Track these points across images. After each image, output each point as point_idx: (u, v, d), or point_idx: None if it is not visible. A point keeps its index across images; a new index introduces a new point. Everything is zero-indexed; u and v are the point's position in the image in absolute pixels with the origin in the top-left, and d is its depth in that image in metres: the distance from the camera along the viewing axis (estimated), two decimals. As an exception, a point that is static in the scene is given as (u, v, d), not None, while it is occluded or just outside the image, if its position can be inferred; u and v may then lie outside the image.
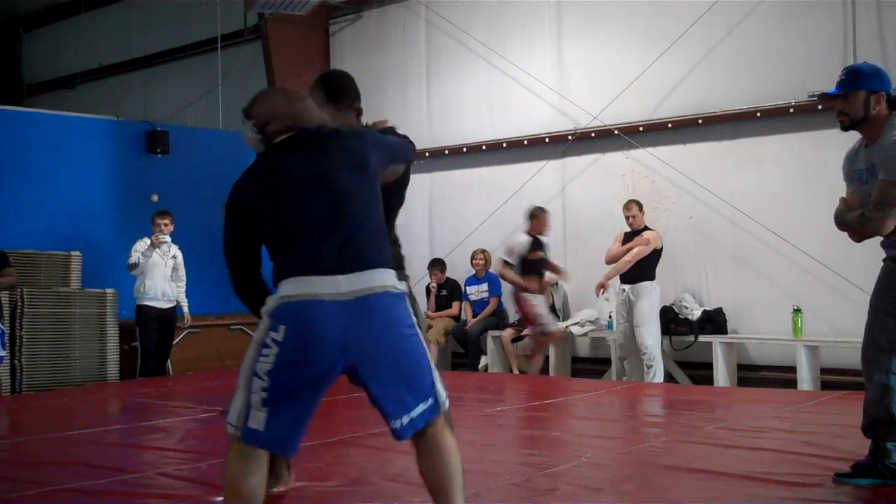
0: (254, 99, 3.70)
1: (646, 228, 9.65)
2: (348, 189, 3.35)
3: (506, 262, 9.77)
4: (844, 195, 4.66)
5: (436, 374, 3.37)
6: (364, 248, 3.27)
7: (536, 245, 9.74)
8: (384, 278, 3.27)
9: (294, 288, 3.19)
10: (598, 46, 11.10)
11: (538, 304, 9.69)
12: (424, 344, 3.37)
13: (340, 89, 4.56)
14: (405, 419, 3.25)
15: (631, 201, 9.75)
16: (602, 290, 9.86)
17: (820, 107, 9.18)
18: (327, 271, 3.18)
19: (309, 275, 3.19)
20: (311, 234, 3.26)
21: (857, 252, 5.11)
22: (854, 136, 4.70)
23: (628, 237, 9.69)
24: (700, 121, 10.21)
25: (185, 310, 10.29)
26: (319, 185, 3.33)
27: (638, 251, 9.51)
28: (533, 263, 9.70)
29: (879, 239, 4.51)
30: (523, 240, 9.70)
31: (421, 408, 3.27)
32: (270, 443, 3.20)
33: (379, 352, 3.21)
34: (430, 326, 11.20)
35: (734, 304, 9.98)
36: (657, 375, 9.29)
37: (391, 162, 3.70)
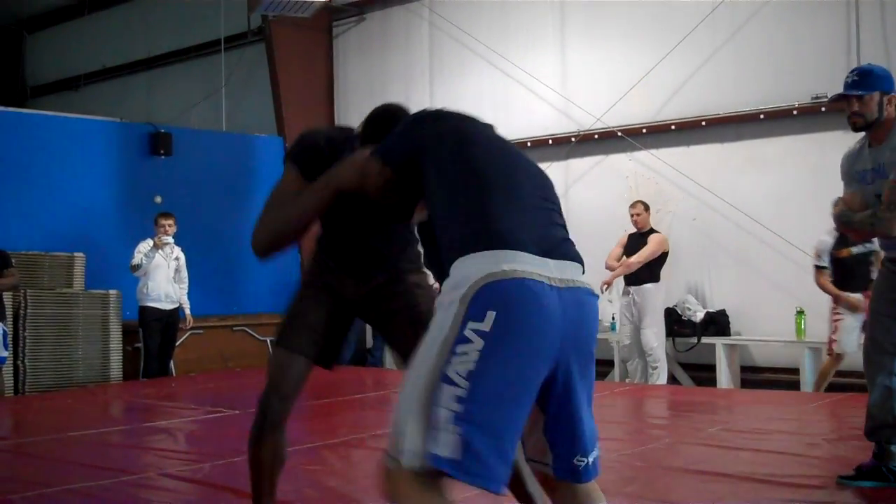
0: None
1: (651, 231, 9.63)
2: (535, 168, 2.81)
3: (819, 268, 8.30)
4: (841, 196, 4.67)
5: None
6: (565, 238, 2.64)
7: (842, 241, 8.03)
8: (584, 275, 2.61)
9: (498, 262, 2.40)
10: (601, 48, 11.10)
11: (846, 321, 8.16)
12: None
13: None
14: (592, 455, 2.59)
15: (637, 201, 9.72)
16: (607, 286, 9.77)
17: (823, 109, 9.20)
18: (538, 252, 2.47)
19: (515, 249, 2.44)
20: (509, 206, 2.57)
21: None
22: (854, 138, 4.70)
23: (632, 239, 9.65)
24: (704, 123, 10.21)
25: (187, 312, 10.29)
26: (512, 151, 2.79)
27: (648, 255, 9.45)
28: (850, 263, 8.14)
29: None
30: (827, 238, 8.19)
31: (595, 453, 2.61)
32: (473, 473, 2.30)
33: (587, 359, 2.55)
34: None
35: (737, 305, 9.97)
36: (661, 377, 9.28)
37: None
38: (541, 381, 2.42)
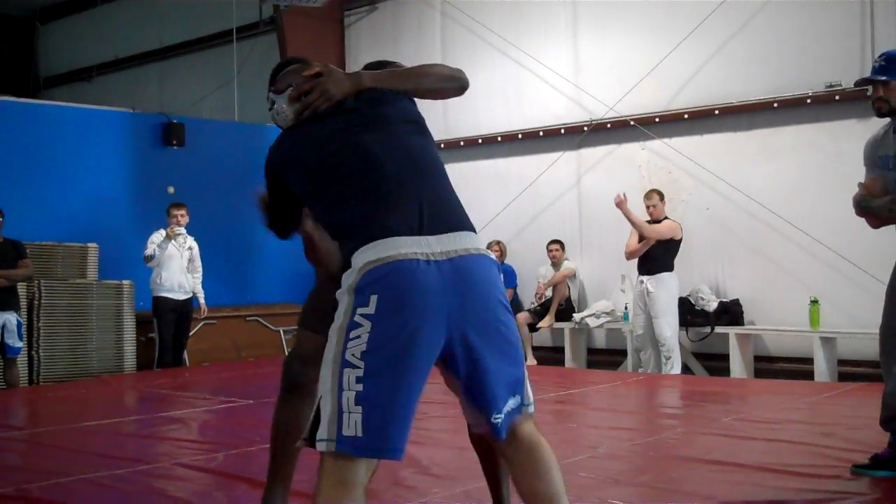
0: (284, 73, 3.25)
1: (665, 219, 9.59)
2: (418, 147, 2.93)
3: None
4: (863, 181, 4.63)
5: (525, 368, 2.90)
6: (448, 210, 2.81)
7: None
8: (476, 241, 2.79)
9: (379, 251, 2.64)
10: (614, 37, 11.07)
11: None
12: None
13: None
14: (504, 411, 2.76)
15: (652, 191, 9.66)
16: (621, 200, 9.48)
17: (837, 97, 9.16)
18: (412, 232, 2.68)
19: (394, 236, 2.67)
20: (386, 193, 2.77)
21: (875, 242, 5.09)
22: (868, 125, 4.67)
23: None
24: (717, 111, 10.18)
25: (202, 301, 10.31)
26: (387, 141, 2.87)
27: (655, 232, 9.37)
28: None
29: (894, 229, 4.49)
30: None
31: (512, 403, 2.78)
32: (372, 449, 2.59)
33: (485, 320, 2.71)
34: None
35: (751, 295, 9.95)
36: (675, 367, 9.24)
37: None
38: (435, 351, 2.63)
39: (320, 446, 2.59)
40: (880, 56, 4.58)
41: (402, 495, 4.36)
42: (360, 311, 2.60)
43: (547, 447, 2.83)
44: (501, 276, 2.91)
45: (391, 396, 2.58)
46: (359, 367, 2.57)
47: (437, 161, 2.97)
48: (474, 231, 2.82)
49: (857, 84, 4.85)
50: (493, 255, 2.85)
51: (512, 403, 2.77)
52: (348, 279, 2.67)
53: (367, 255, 2.65)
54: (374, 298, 2.59)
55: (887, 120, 4.58)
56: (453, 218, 2.79)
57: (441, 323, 2.61)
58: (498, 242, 11.48)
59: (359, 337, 2.58)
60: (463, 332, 2.65)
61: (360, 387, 2.56)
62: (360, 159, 2.82)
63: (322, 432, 2.59)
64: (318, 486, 2.61)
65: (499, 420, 2.74)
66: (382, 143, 2.86)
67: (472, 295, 2.68)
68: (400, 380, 2.59)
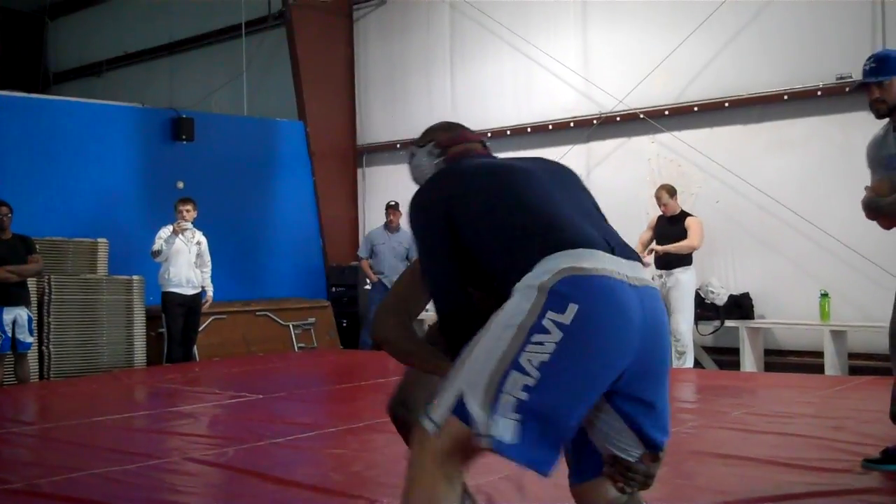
0: (430, 128, 3.10)
1: (684, 213, 9.53)
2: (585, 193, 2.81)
3: None
4: (870, 183, 4.60)
5: None
6: (621, 239, 2.62)
7: None
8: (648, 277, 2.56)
9: (579, 259, 2.38)
10: (623, 29, 11.04)
11: None
12: None
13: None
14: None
15: (661, 188, 9.57)
16: (648, 253, 9.45)
17: (847, 89, 9.11)
18: (607, 249, 2.46)
19: (592, 248, 2.44)
20: (568, 216, 2.57)
21: (886, 236, 5.05)
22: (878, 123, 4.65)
23: (662, 222, 9.55)
24: (727, 104, 10.15)
25: (209, 293, 10.29)
26: (560, 177, 2.76)
27: (699, 239, 9.36)
28: None
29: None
30: None
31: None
32: (527, 457, 2.31)
33: (665, 355, 2.54)
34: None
35: (761, 288, 9.92)
36: (688, 362, 9.22)
37: None
38: (611, 382, 2.40)
39: (479, 441, 2.30)
40: (870, 58, 4.57)
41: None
42: (551, 315, 2.31)
43: None
44: None
45: (558, 419, 2.32)
46: (531, 377, 2.28)
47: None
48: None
49: (851, 89, 4.82)
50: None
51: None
52: (539, 277, 2.37)
53: (567, 259, 2.38)
54: (573, 308, 2.30)
55: (886, 120, 4.56)
56: (631, 249, 2.59)
57: (630, 356, 2.38)
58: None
59: (542, 344, 2.29)
60: (643, 361, 2.44)
61: (525, 396, 2.28)
62: (546, 183, 2.73)
63: (480, 425, 2.29)
64: (417, 475, 2.39)
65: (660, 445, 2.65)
66: (555, 180, 2.78)
67: (660, 338, 2.51)
68: (572, 405, 2.34)
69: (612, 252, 2.46)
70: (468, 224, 2.60)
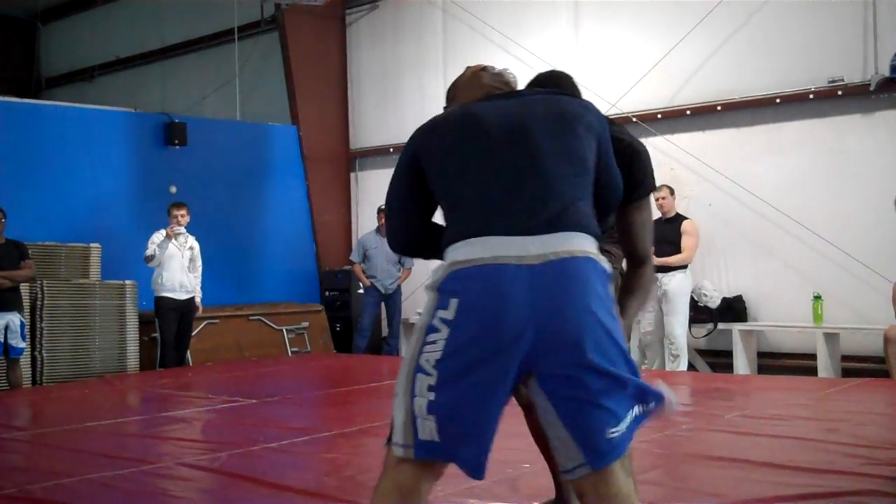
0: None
1: (679, 216, 9.55)
2: (546, 147, 2.62)
3: None
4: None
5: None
6: (562, 212, 2.52)
7: None
8: (584, 244, 2.50)
9: (467, 252, 2.46)
10: (615, 33, 11.05)
11: None
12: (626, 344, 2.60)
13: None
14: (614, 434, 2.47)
15: (664, 185, 9.54)
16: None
17: (840, 93, 9.14)
18: (511, 232, 2.46)
19: (485, 235, 2.47)
20: (491, 192, 2.56)
21: (878, 238, 5.08)
22: (872, 121, 4.65)
23: (658, 225, 9.53)
24: (719, 107, 10.16)
25: (198, 300, 10.29)
26: (512, 136, 2.64)
27: (694, 247, 9.40)
28: None
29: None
30: None
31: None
32: (449, 453, 2.43)
33: (573, 327, 2.41)
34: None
35: (754, 291, 9.94)
36: (682, 365, 9.22)
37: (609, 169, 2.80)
38: (512, 359, 2.38)
39: (397, 451, 2.46)
40: None
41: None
42: (439, 313, 2.43)
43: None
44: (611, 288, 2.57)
45: (465, 412, 2.41)
46: (431, 376, 2.40)
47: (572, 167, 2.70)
48: (584, 229, 2.54)
49: (878, 86, 4.81)
50: (601, 263, 2.52)
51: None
52: (433, 276, 2.51)
53: (457, 253, 2.49)
54: (454, 302, 2.41)
55: None
56: (560, 217, 2.52)
57: (520, 333, 2.37)
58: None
59: (434, 343, 2.41)
60: (543, 343, 2.40)
61: (432, 395, 2.40)
62: (467, 158, 2.75)
63: (398, 437, 2.46)
64: (378, 487, 2.52)
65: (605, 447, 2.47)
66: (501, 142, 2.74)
67: (560, 319, 2.41)
68: (474, 396, 2.40)
69: (520, 230, 2.45)
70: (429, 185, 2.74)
